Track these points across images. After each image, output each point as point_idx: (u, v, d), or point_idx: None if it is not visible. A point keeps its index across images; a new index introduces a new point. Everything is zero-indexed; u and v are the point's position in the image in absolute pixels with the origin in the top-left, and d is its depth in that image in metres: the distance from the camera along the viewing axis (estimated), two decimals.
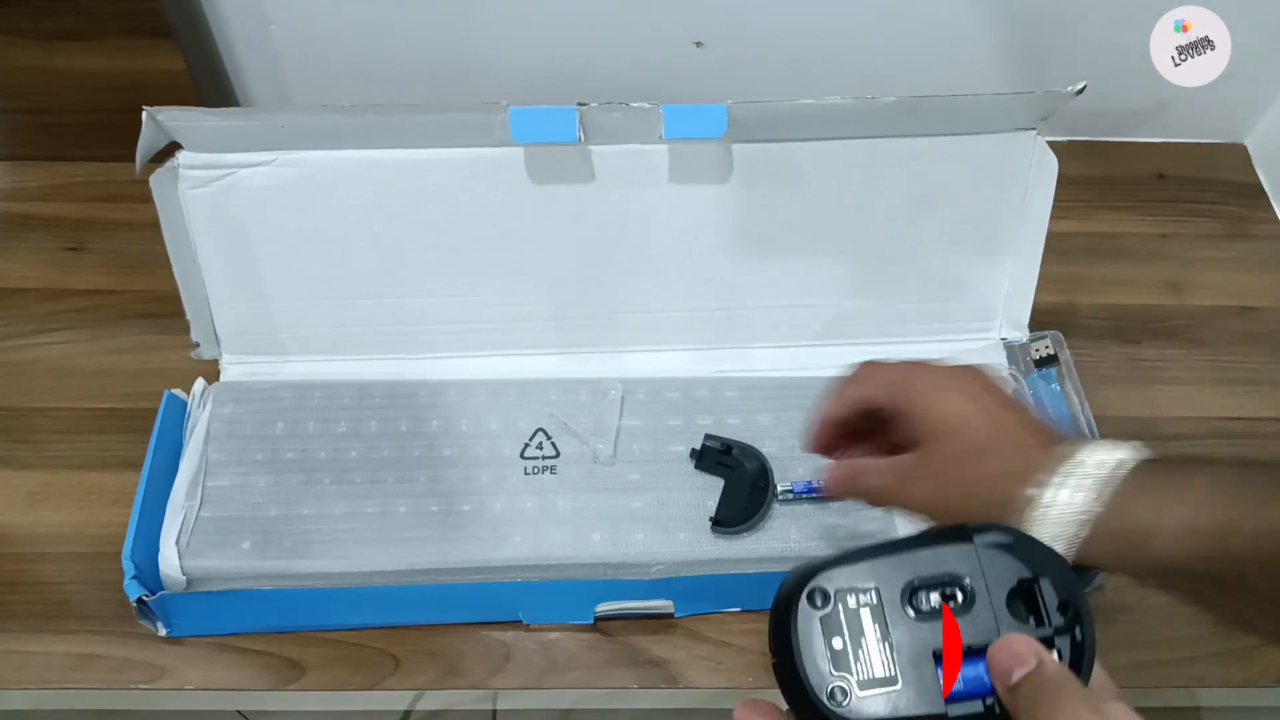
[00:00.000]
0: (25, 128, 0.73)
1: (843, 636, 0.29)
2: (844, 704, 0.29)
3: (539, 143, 0.55)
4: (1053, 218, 0.59)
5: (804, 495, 0.55)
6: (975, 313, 0.63)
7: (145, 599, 0.50)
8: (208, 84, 0.72)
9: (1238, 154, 0.79)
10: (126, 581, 0.50)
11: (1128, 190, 0.76)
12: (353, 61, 0.72)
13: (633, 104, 0.53)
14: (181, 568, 0.52)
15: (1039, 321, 0.62)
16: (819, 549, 0.54)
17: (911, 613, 0.29)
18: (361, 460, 0.57)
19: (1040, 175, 0.58)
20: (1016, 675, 0.27)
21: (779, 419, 0.59)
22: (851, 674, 0.29)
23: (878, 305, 0.63)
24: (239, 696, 0.57)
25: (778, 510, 0.55)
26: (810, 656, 0.29)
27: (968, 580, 0.30)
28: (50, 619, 0.53)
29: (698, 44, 0.71)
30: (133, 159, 0.52)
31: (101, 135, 0.71)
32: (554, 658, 0.53)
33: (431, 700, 0.57)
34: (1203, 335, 0.68)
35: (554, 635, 0.53)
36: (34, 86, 0.69)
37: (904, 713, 0.28)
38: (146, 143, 0.53)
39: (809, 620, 0.30)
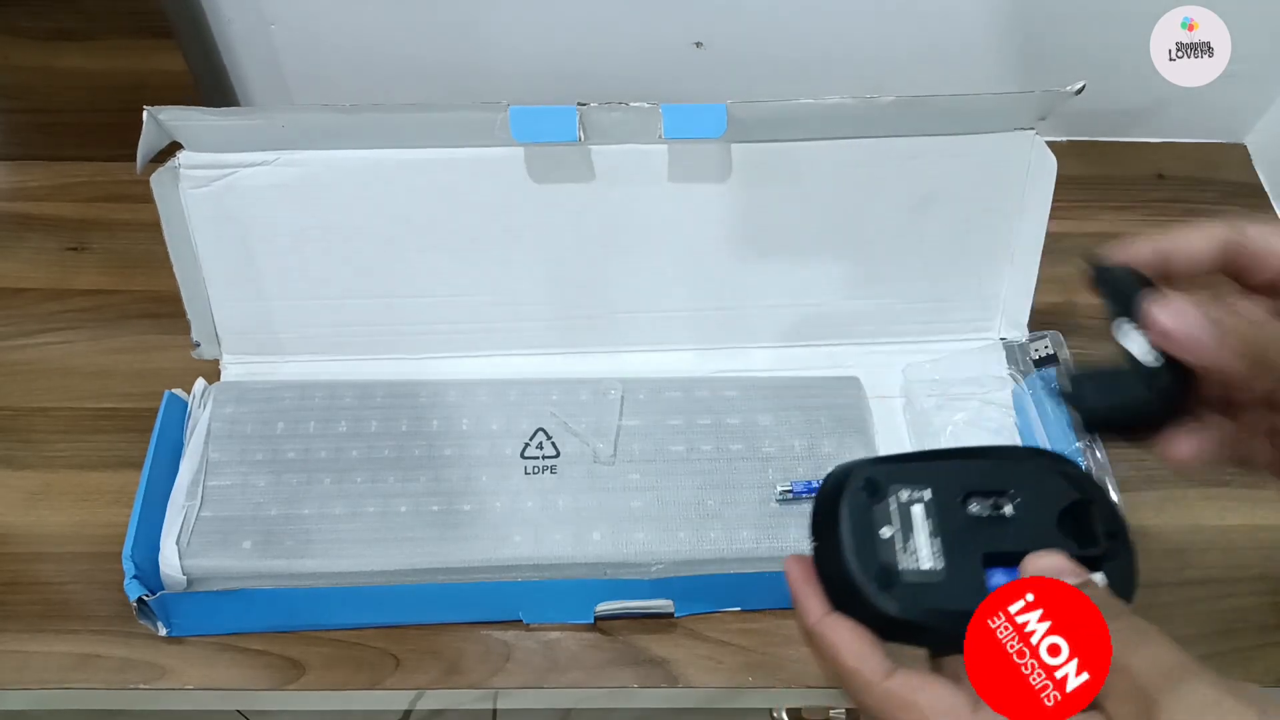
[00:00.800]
0: (25, 128, 0.73)
1: (892, 526, 0.29)
2: (887, 591, 0.29)
3: (539, 142, 0.55)
4: (1052, 217, 0.59)
5: (804, 495, 0.55)
6: (975, 313, 0.64)
7: (145, 599, 0.50)
8: (208, 84, 0.72)
9: (1238, 154, 0.79)
10: (127, 581, 0.50)
11: (1127, 190, 0.76)
12: (353, 61, 0.72)
13: (633, 104, 0.53)
14: (182, 567, 0.52)
15: (1039, 321, 0.62)
16: None
17: (963, 515, 0.29)
18: (362, 460, 0.57)
19: (1039, 175, 0.58)
20: None
21: (779, 419, 0.59)
22: (897, 563, 0.29)
23: (877, 305, 0.63)
24: (239, 696, 0.57)
25: (777, 510, 0.56)
26: (856, 542, 0.29)
27: (1022, 494, 0.29)
28: (50, 619, 0.53)
29: (698, 44, 0.71)
30: (133, 159, 0.53)
31: (102, 135, 0.71)
32: (554, 657, 0.53)
33: (432, 700, 0.57)
34: None
35: (554, 635, 0.54)
36: (34, 86, 0.69)
37: (947, 605, 0.28)
38: (147, 142, 0.53)
39: (859, 507, 0.30)
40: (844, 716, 0.63)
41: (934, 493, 0.30)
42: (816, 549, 0.31)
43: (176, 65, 0.68)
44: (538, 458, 0.57)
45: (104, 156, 0.72)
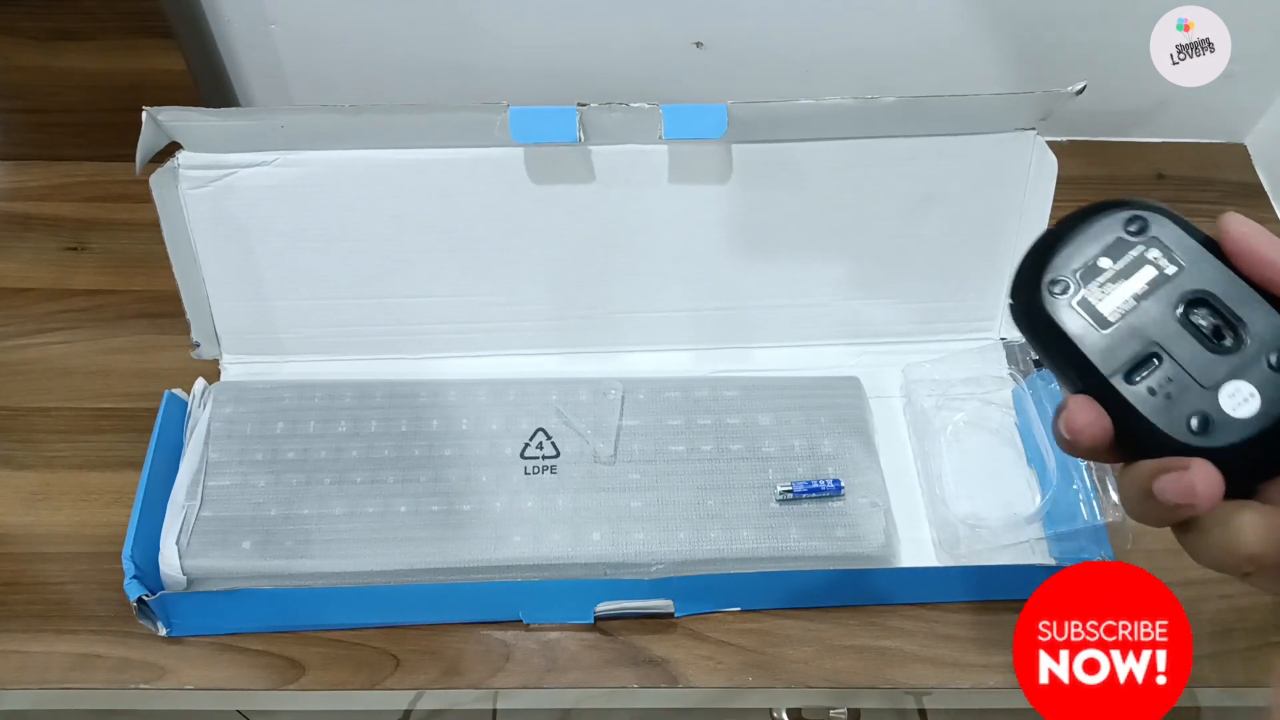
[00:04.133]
0: (25, 128, 0.73)
1: (1114, 263, 0.28)
2: (1052, 297, 0.28)
3: (539, 143, 0.55)
4: (1052, 218, 0.59)
5: (804, 495, 0.55)
6: (975, 313, 0.64)
7: (145, 599, 0.50)
8: (208, 84, 0.72)
9: (1238, 154, 0.79)
10: (127, 581, 0.50)
11: (1128, 190, 0.76)
12: (353, 61, 0.72)
13: (633, 104, 0.53)
14: (182, 567, 0.52)
15: None
16: (819, 549, 0.54)
17: (1176, 309, 0.28)
18: (362, 460, 0.57)
19: (1040, 175, 0.58)
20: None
21: (779, 419, 0.59)
22: (1084, 289, 0.28)
23: (877, 305, 0.63)
24: (239, 696, 0.57)
25: (777, 510, 0.56)
26: (1076, 246, 0.29)
27: (1254, 335, 0.27)
28: (50, 619, 0.53)
29: (698, 44, 0.71)
30: (133, 159, 0.53)
31: (101, 135, 0.71)
32: (554, 657, 0.53)
33: (431, 700, 0.57)
34: None
35: (554, 635, 0.53)
36: (34, 86, 0.69)
37: (1084, 350, 0.28)
38: (146, 143, 0.53)
39: (1104, 228, 0.29)
40: (844, 717, 0.63)
41: (1179, 274, 0.28)
42: (1048, 231, 0.30)
43: (176, 65, 0.68)
44: (537, 458, 0.57)
45: (104, 156, 0.72)
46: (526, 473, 0.57)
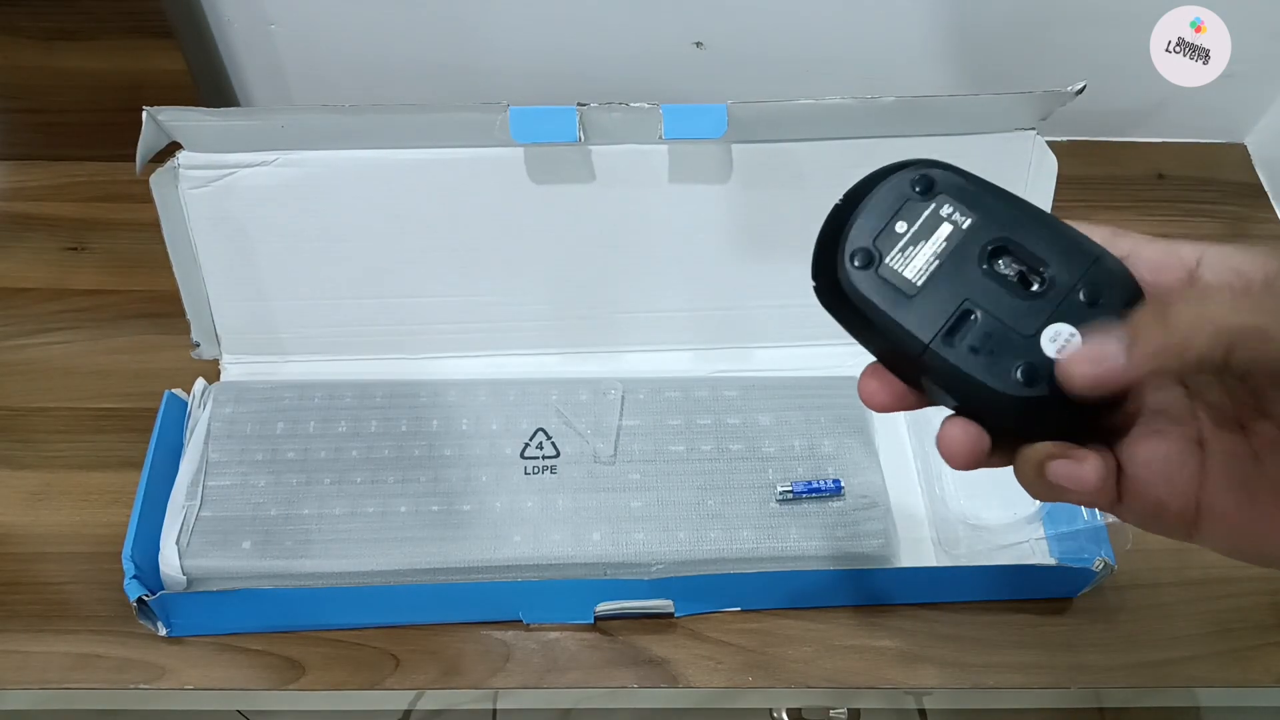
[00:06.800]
0: (25, 128, 0.73)
1: (909, 225, 0.28)
2: (854, 270, 0.28)
3: (539, 143, 0.55)
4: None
5: (804, 495, 0.55)
6: None
7: (145, 599, 0.50)
8: (208, 84, 0.72)
9: (1238, 154, 0.79)
10: (126, 581, 0.50)
11: (1128, 190, 0.76)
12: (353, 61, 0.72)
13: (633, 104, 0.53)
14: (182, 567, 0.52)
15: None
16: (819, 549, 0.54)
17: (983, 262, 0.27)
18: (362, 460, 0.57)
19: (1040, 175, 0.58)
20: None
21: (779, 419, 0.59)
22: (885, 257, 0.28)
23: None
24: (239, 696, 0.57)
25: (777, 510, 0.56)
26: (861, 218, 0.29)
27: (1058, 274, 0.27)
28: (50, 619, 0.53)
29: (698, 44, 0.71)
30: (133, 159, 0.53)
31: (101, 135, 0.71)
32: (554, 657, 0.53)
33: (431, 700, 0.57)
34: None
35: (554, 635, 0.54)
36: (34, 86, 0.69)
37: (897, 319, 0.28)
38: (146, 143, 0.53)
39: (892, 191, 0.29)
40: (844, 717, 0.63)
41: (973, 226, 0.28)
42: (838, 205, 0.30)
43: (176, 65, 0.68)
44: (537, 458, 0.57)
45: (104, 156, 0.72)
46: (526, 473, 0.57)
